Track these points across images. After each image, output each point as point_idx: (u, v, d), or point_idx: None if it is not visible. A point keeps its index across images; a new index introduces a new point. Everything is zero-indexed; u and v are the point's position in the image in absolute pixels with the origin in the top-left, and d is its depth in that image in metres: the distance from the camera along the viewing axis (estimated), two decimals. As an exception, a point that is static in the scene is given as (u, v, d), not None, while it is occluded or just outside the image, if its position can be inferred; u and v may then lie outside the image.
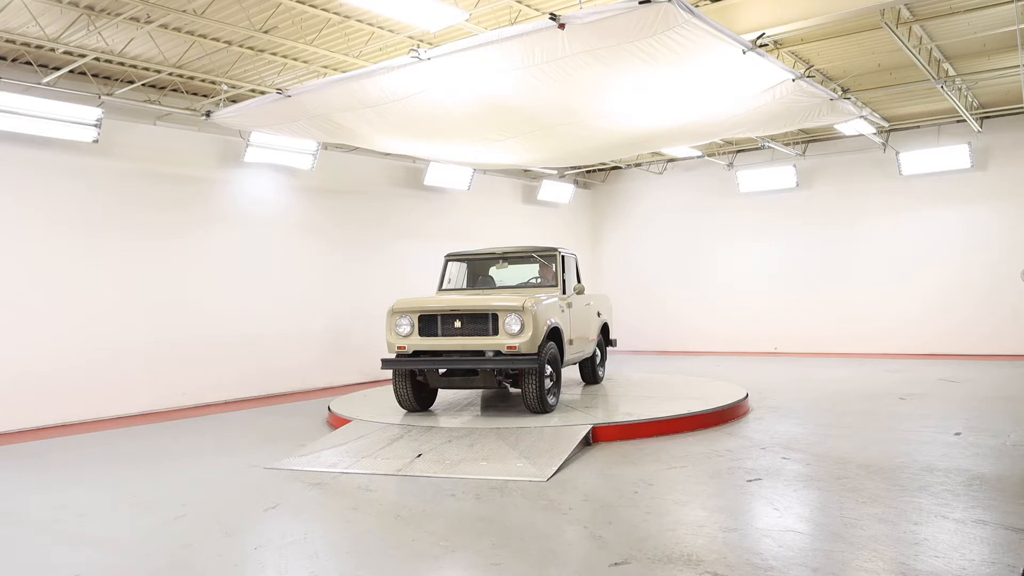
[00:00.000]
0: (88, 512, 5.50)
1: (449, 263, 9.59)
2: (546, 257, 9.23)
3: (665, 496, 5.43)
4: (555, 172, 16.86)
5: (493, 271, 9.69)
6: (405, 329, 7.97)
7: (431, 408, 8.61)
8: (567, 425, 7.37)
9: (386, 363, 8.00)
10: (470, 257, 9.63)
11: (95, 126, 9.28)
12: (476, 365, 7.73)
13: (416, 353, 7.97)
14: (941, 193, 14.73)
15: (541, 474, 5.97)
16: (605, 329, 10.58)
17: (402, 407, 8.37)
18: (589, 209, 19.07)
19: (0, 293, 9.01)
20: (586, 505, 5.26)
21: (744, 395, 8.89)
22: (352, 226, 13.16)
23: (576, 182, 18.23)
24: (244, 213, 11.63)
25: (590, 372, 10.24)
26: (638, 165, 17.66)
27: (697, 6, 7.53)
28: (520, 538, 4.59)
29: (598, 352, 10.36)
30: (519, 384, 7.92)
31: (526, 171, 16.52)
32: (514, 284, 9.37)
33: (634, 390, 9.65)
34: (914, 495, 5.20)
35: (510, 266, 9.54)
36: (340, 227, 12.97)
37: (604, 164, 16.98)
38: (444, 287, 9.45)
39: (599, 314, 10.31)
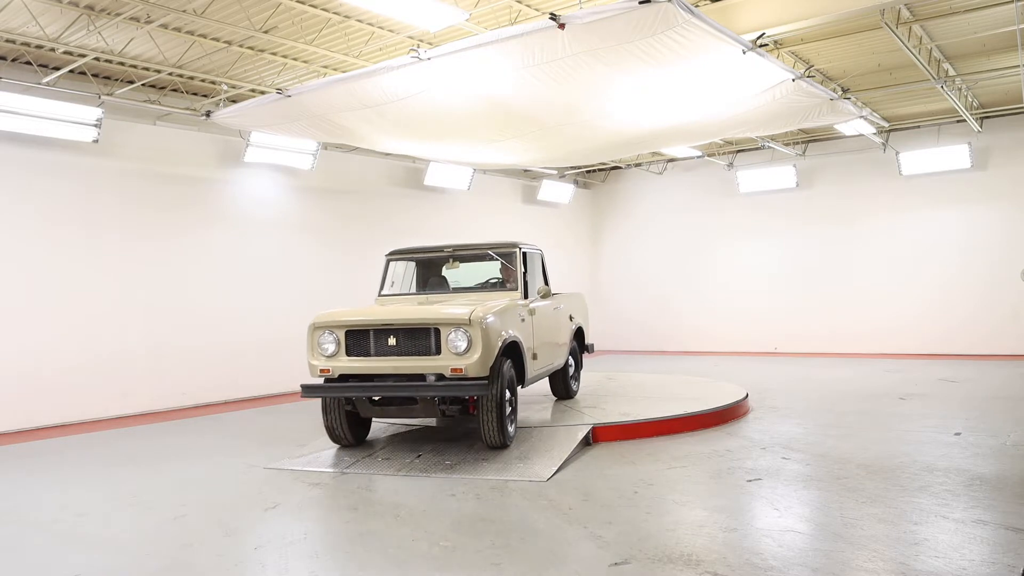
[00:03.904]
0: (88, 512, 5.50)
1: (391, 263, 8.21)
2: (504, 255, 7.86)
3: (665, 496, 5.43)
4: (555, 172, 16.86)
5: (446, 271, 8.35)
6: (330, 348, 6.63)
7: (367, 439, 7.41)
8: (567, 425, 7.37)
9: (306, 391, 6.66)
10: (416, 255, 8.24)
11: (95, 126, 9.27)
12: (412, 393, 6.41)
13: (343, 377, 6.63)
14: (941, 193, 14.73)
15: (541, 474, 5.97)
16: (580, 334, 9.26)
17: (334, 442, 7.13)
18: (589, 209, 19.07)
19: (0, 293, 9.02)
20: (586, 505, 5.26)
21: (744, 395, 8.89)
22: (352, 226, 13.16)
23: (576, 182, 18.22)
24: (244, 213, 11.63)
25: (561, 385, 8.90)
26: (638, 165, 17.66)
27: (697, 6, 7.53)
28: (520, 538, 4.59)
29: (571, 361, 9.01)
30: (471, 411, 6.73)
31: (526, 171, 16.52)
32: (471, 284, 8.10)
33: (633, 390, 9.63)
34: (914, 495, 5.20)
35: (463, 265, 8.26)
36: (340, 227, 12.97)
37: (604, 164, 16.97)
38: (388, 292, 8.08)
39: (571, 318, 9.00)
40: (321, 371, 6.63)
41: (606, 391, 9.64)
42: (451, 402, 6.65)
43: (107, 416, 9.77)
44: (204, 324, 10.90)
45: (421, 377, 6.41)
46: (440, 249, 8.14)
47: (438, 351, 6.38)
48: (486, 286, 7.95)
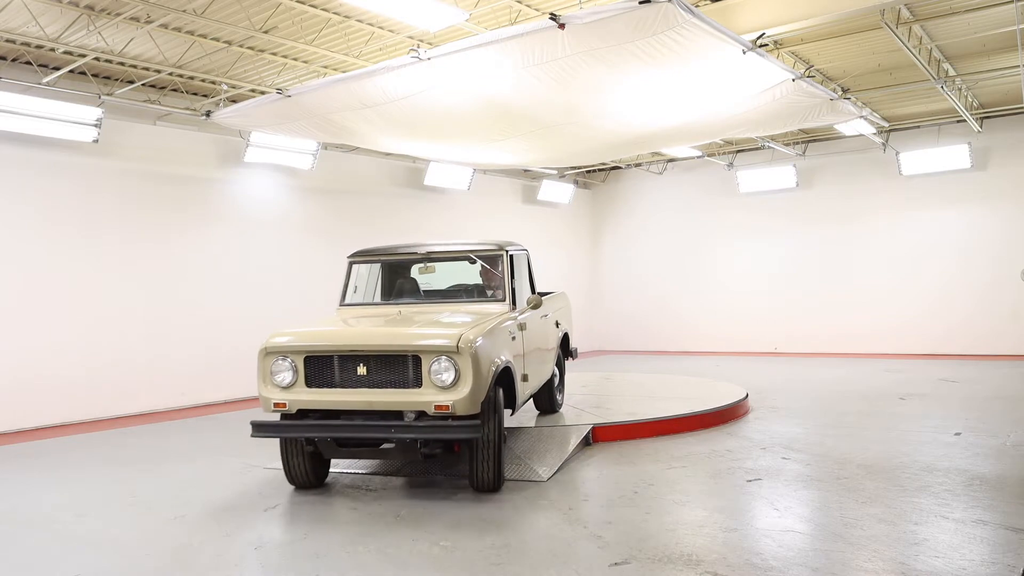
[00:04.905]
0: (88, 512, 5.51)
1: (354, 266, 7.04)
2: (488, 259, 6.70)
3: (665, 496, 5.43)
4: (555, 172, 16.86)
5: (417, 275, 7.18)
6: (285, 377, 5.48)
7: (327, 481, 6.15)
8: (567, 425, 7.37)
9: (257, 429, 5.49)
10: (384, 257, 7.04)
11: (95, 126, 9.28)
12: (387, 435, 5.31)
13: (301, 413, 5.50)
14: (941, 193, 14.73)
15: (541, 474, 5.97)
16: (565, 340, 8.26)
17: (291, 483, 5.97)
18: (589, 209, 19.07)
19: (0, 293, 9.02)
20: (586, 505, 5.27)
21: (744, 395, 8.89)
22: (352, 226, 13.15)
23: (576, 182, 18.22)
24: (244, 213, 11.63)
25: (546, 399, 7.90)
26: (638, 165, 17.66)
27: (697, 6, 7.52)
28: (520, 538, 4.59)
29: (556, 372, 8.02)
30: (456, 450, 5.78)
31: (526, 171, 16.52)
32: (446, 288, 7.02)
33: (633, 390, 9.64)
34: (914, 495, 5.20)
35: (438, 266, 7.15)
36: (340, 227, 12.97)
37: (604, 164, 16.97)
38: (350, 301, 6.90)
39: (557, 324, 7.98)
40: (276, 405, 5.49)
41: (605, 391, 9.65)
42: (433, 443, 5.43)
43: (107, 416, 9.77)
44: (204, 324, 10.90)
45: (398, 415, 5.32)
46: (412, 250, 6.98)
47: (418, 383, 5.28)
48: (466, 291, 6.89)
